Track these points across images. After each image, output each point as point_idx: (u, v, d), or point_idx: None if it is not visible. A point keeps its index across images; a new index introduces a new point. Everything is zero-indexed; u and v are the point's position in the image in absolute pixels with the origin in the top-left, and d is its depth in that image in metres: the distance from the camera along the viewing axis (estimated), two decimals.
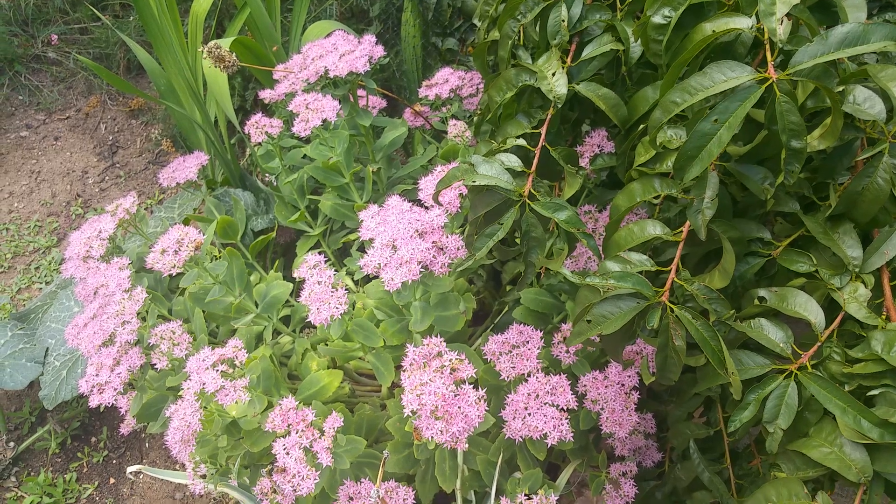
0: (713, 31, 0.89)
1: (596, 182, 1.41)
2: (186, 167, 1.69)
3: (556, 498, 1.20)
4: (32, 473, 1.91)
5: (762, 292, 0.95)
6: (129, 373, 1.30)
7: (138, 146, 2.67)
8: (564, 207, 0.96)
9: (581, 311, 0.92)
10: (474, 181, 0.95)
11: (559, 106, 1.05)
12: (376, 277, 1.19)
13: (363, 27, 2.45)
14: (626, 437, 1.26)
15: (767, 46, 0.87)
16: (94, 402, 1.29)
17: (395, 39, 2.38)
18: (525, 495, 1.20)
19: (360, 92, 1.79)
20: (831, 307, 0.93)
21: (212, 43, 1.51)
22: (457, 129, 1.57)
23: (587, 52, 1.09)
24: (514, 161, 1.01)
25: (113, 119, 2.73)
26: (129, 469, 1.47)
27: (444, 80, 1.81)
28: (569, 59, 1.10)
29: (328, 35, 1.68)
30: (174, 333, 1.31)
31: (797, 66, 0.82)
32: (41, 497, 1.85)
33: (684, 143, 0.85)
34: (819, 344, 0.90)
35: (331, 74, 1.57)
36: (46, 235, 2.44)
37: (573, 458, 1.38)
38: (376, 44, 1.63)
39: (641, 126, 1.07)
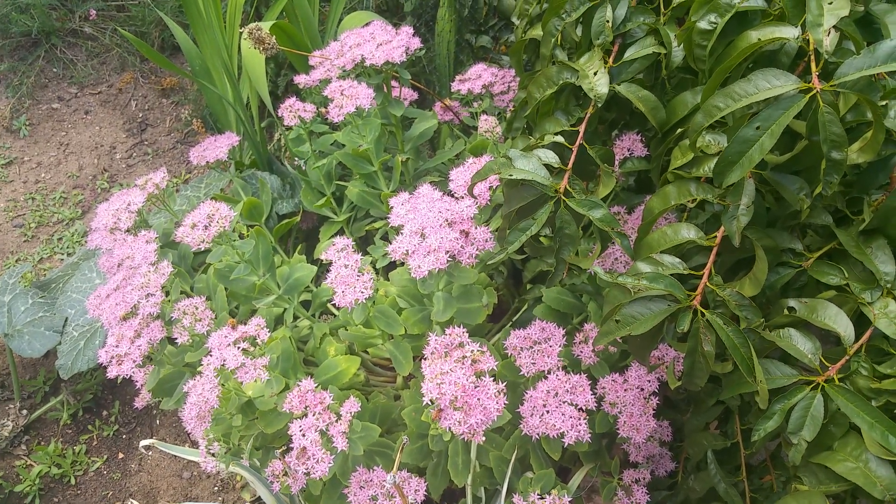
0: (759, 39, 0.89)
1: (623, 186, 1.41)
2: (217, 146, 1.71)
3: (569, 500, 1.20)
4: (43, 443, 1.93)
5: (792, 302, 0.94)
6: (149, 346, 1.31)
7: (168, 125, 2.69)
8: (599, 206, 0.96)
9: (610, 311, 0.91)
10: (511, 175, 0.95)
11: (599, 105, 1.05)
12: (400, 266, 1.20)
13: (397, 22, 2.46)
14: (642, 443, 1.26)
15: (812, 57, 0.86)
16: (112, 372, 1.30)
17: (428, 35, 2.39)
18: (537, 495, 1.20)
19: (393, 83, 1.80)
20: (860, 321, 0.92)
21: (252, 24, 1.53)
22: (488, 125, 1.57)
23: (629, 54, 1.09)
24: (551, 157, 1.01)
25: (144, 97, 2.75)
26: (142, 443, 1.48)
27: (478, 76, 1.82)
28: (610, 60, 1.10)
29: (366, 24, 1.69)
30: (197, 309, 1.31)
31: (842, 77, 0.82)
32: (50, 467, 1.86)
33: (726, 148, 0.85)
34: (847, 357, 0.90)
35: (367, 63, 1.58)
36: (71, 207, 2.46)
37: (586, 461, 1.38)
38: (413, 35, 1.64)
39: (679, 130, 1.07)
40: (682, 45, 1.06)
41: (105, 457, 1.91)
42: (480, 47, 2.30)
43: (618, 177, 1.29)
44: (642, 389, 1.22)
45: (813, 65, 0.86)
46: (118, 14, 2.84)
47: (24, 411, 1.97)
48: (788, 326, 0.93)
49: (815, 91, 0.83)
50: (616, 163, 1.26)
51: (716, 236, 0.95)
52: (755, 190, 0.92)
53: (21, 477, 1.84)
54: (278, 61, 2.40)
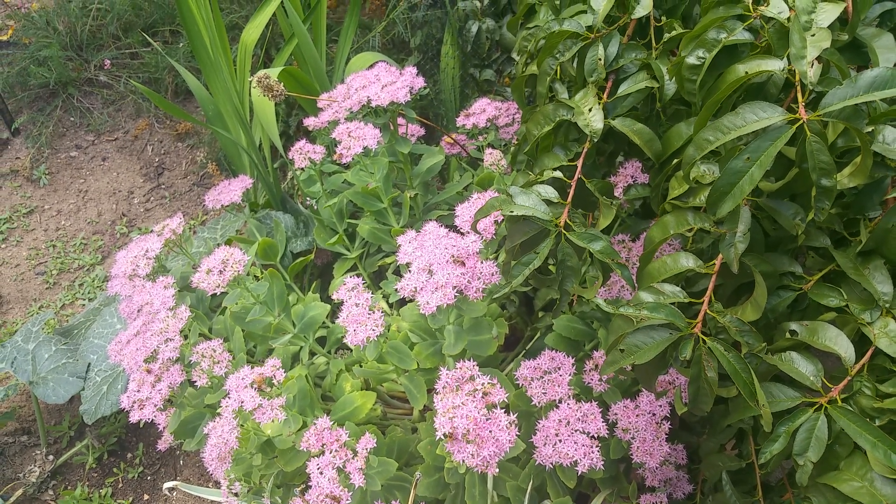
0: (746, 72, 0.92)
1: (629, 212, 1.43)
2: (231, 190, 1.75)
3: None
4: (69, 487, 1.96)
5: (793, 326, 0.96)
6: (169, 389, 1.34)
7: (184, 168, 2.75)
8: (599, 238, 0.99)
9: (614, 341, 0.94)
10: (512, 211, 0.98)
11: (595, 140, 1.08)
12: (411, 300, 1.22)
13: (403, 57, 2.52)
14: (656, 468, 1.27)
15: (798, 88, 0.88)
16: (134, 417, 1.33)
17: (434, 69, 2.43)
18: None
19: (400, 120, 1.84)
20: (862, 342, 0.94)
21: (261, 73, 1.57)
22: (493, 158, 1.60)
23: (623, 89, 1.12)
24: (550, 192, 1.04)
25: (160, 141, 2.81)
26: (166, 485, 1.50)
27: (482, 110, 1.85)
28: (605, 95, 1.13)
29: (371, 66, 1.73)
30: (215, 352, 1.35)
31: (827, 107, 0.84)
32: None
33: (717, 180, 0.87)
34: (849, 378, 0.91)
35: (373, 104, 1.62)
36: (91, 253, 2.51)
37: (603, 487, 1.39)
38: (417, 75, 1.68)
39: (675, 160, 1.09)
40: (673, 79, 1.09)
41: (131, 499, 1.94)
42: (485, 80, 2.34)
43: (622, 203, 1.31)
44: (654, 415, 1.23)
45: (799, 95, 0.88)
46: (132, 62, 2.92)
47: (51, 456, 2.00)
48: (790, 349, 0.94)
49: (801, 121, 0.85)
50: (620, 190, 1.28)
51: (714, 263, 0.97)
52: (751, 216, 0.95)
53: None
54: (289, 102, 2.46)
